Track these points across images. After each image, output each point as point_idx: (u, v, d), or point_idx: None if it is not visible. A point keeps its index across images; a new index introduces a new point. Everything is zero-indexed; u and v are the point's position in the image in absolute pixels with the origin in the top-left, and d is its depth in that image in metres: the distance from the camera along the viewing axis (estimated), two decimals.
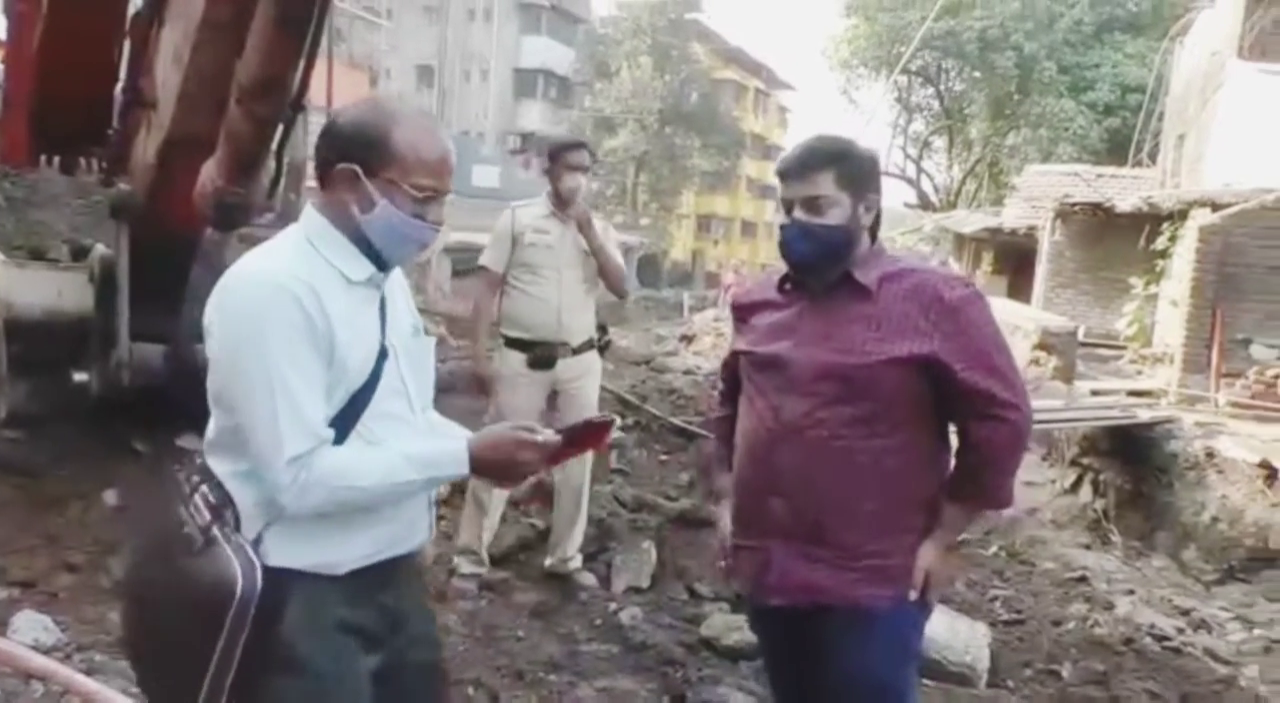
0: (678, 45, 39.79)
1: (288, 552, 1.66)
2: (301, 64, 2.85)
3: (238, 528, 1.66)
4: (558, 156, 4.17)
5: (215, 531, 1.66)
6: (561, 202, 4.12)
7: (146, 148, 3.73)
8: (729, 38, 45.65)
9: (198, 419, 4.68)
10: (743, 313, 2.37)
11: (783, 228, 2.18)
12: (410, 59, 41.13)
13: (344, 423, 1.66)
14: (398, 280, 1.86)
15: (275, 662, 1.65)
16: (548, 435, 1.74)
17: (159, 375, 4.02)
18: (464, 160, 35.31)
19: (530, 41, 42.57)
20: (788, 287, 2.25)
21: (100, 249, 4.26)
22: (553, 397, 4.17)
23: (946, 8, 23.84)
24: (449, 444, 1.74)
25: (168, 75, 3.40)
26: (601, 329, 4.31)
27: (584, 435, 1.84)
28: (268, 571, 1.63)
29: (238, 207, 3.12)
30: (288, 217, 7.88)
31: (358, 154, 1.67)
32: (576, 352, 4.17)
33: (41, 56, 4.30)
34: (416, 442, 1.73)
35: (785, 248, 2.18)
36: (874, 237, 2.19)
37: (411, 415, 1.77)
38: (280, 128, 3.07)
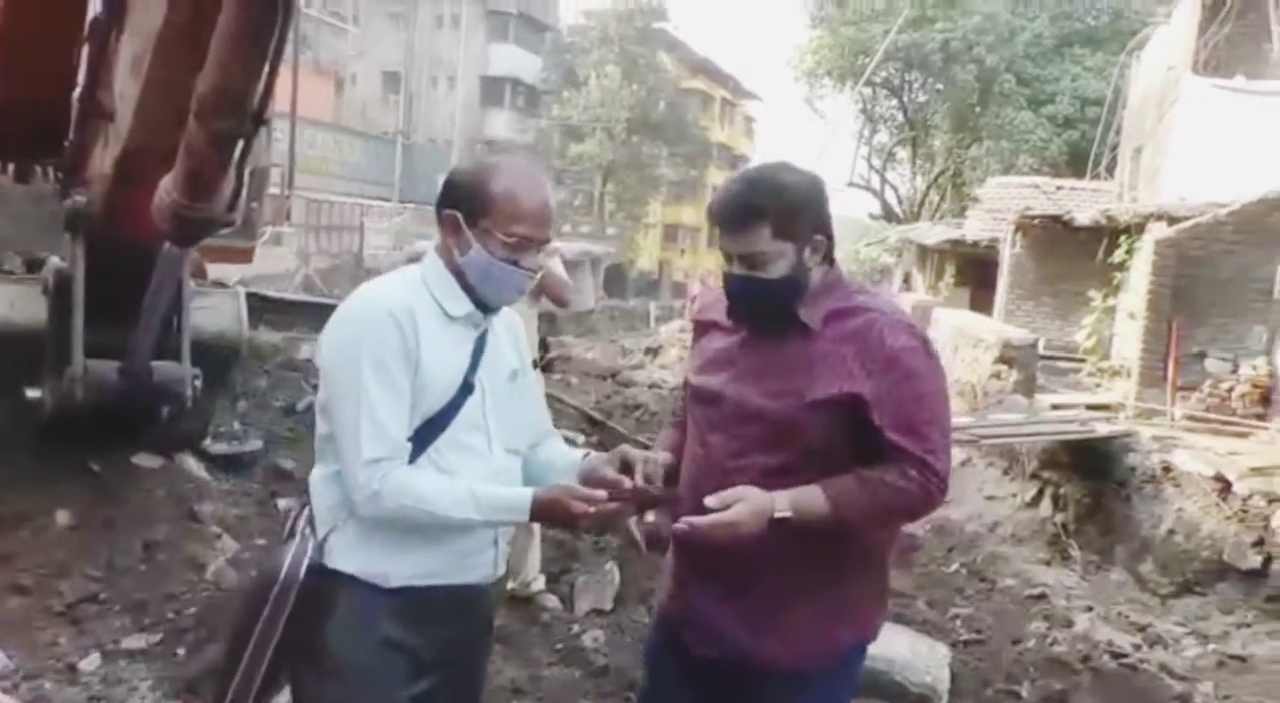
0: (645, 55, 39.90)
1: (344, 555, 1.84)
2: (264, 78, 2.80)
3: (313, 527, 1.88)
4: None
5: (297, 525, 1.93)
6: None
7: (104, 160, 3.65)
8: (696, 48, 45.90)
9: (153, 436, 4.60)
10: (698, 330, 2.26)
11: (725, 278, 2.05)
12: (377, 65, 40.88)
13: (417, 444, 1.82)
14: (509, 323, 2.03)
15: (317, 659, 1.84)
16: (601, 501, 1.81)
17: (114, 392, 3.95)
18: (431, 168, 35.17)
19: (498, 49, 42.47)
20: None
21: (55, 262, 4.17)
22: None
23: (910, 20, 24.16)
24: (515, 492, 1.87)
25: (126, 87, 3.33)
26: (542, 345, 4.29)
27: (641, 501, 1.90)
28: (324, 570, 1.84)
29: (196, 222, 3.06)
30: (250, 226, 7.75)
31: (460, 202, 1.88)
32: None
33: None
34: (487, 483, 1.85)
35: (729, 300, 2.06)
36: (831, 261, 2.03)
37: (488, 452, 1.90)
38: (241, 143, 3.01)
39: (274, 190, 23.58)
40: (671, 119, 41.02)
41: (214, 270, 7.08)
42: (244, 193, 3.14)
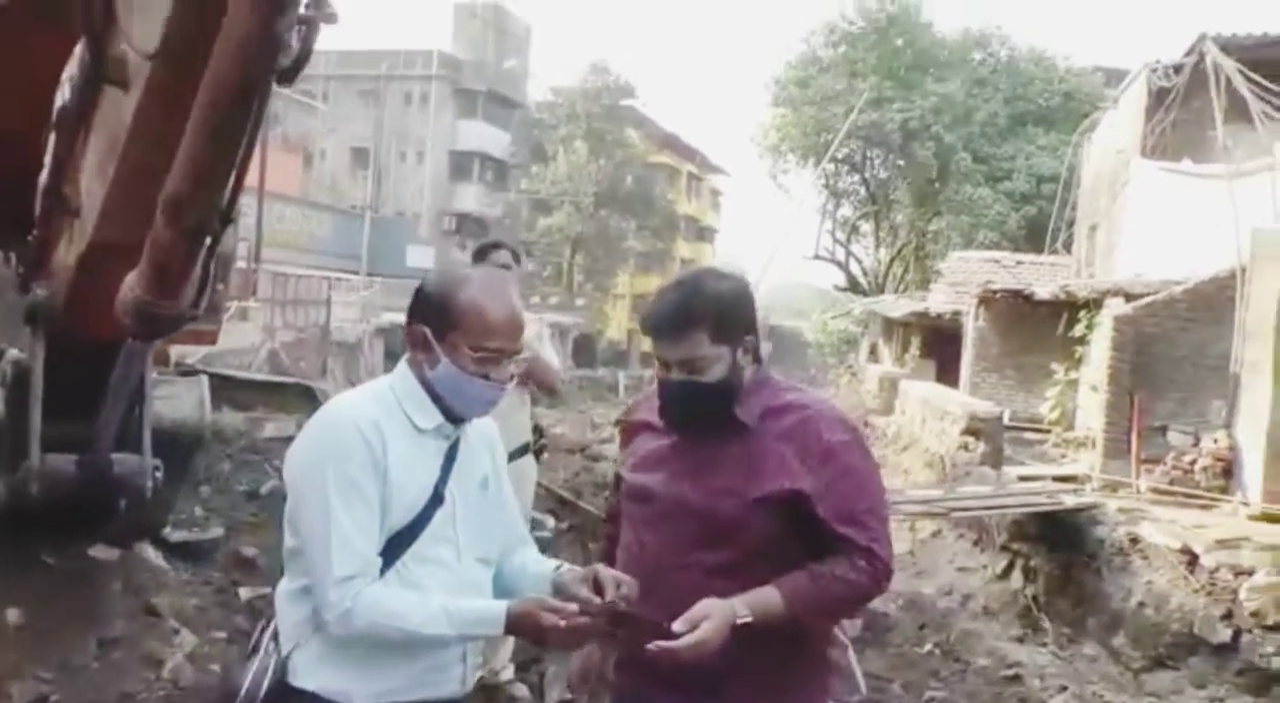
0: (612, 130, 40.60)
1: (308, 673, 1.80)
2: (233, 176, 2.81)
3: (277, 643, 1.84)
4: (480, 256, 4.19)
5: (262, 641, 1.90)
6: None
7: (68, 254, 3.63)
8: (663, 123, 46.74)
9: (111, 528, 4.49)
10: (629, 431, 2.27)
11: (661, 385, 2.06)
12: (346, 141, 41.27)
13: (384, 558, 1.79)
14: (482, 428, 2.01)
15: None
16: (572, 615, 1.79)
17: (71, 486, 3.86)
18: (399, 241, 35.33)
19: (466, 125, 43.07)
20: None
21: (13, 353, 4.11)
22: None
23: (870, 102, 24.84)
24: (489, 605, 1.84)
25: (92, 183, 3.33)
26: (537, 431, 4.26)
27: (612, 618, 1.86)
28: (287, 688, 1.80)
29: (160, 318, 3.02)
30: (214, 308, 7.70)
31: (428, 316, 1.88)
32: (510, 459, 4.10)
33: None
34: (458, 596, 1.82)
35: (668, 404, 2.06)
36: (759, 359, 2.09)
37: (456, 564, 1.88)
38: (209, 240, 3.00)
39: (241, 264, 23.58)
40: (639, 192, 41.62)
41: (175, 350, 7.03)
42: (209, 288, 3.12)
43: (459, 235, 40.74)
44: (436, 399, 1.89)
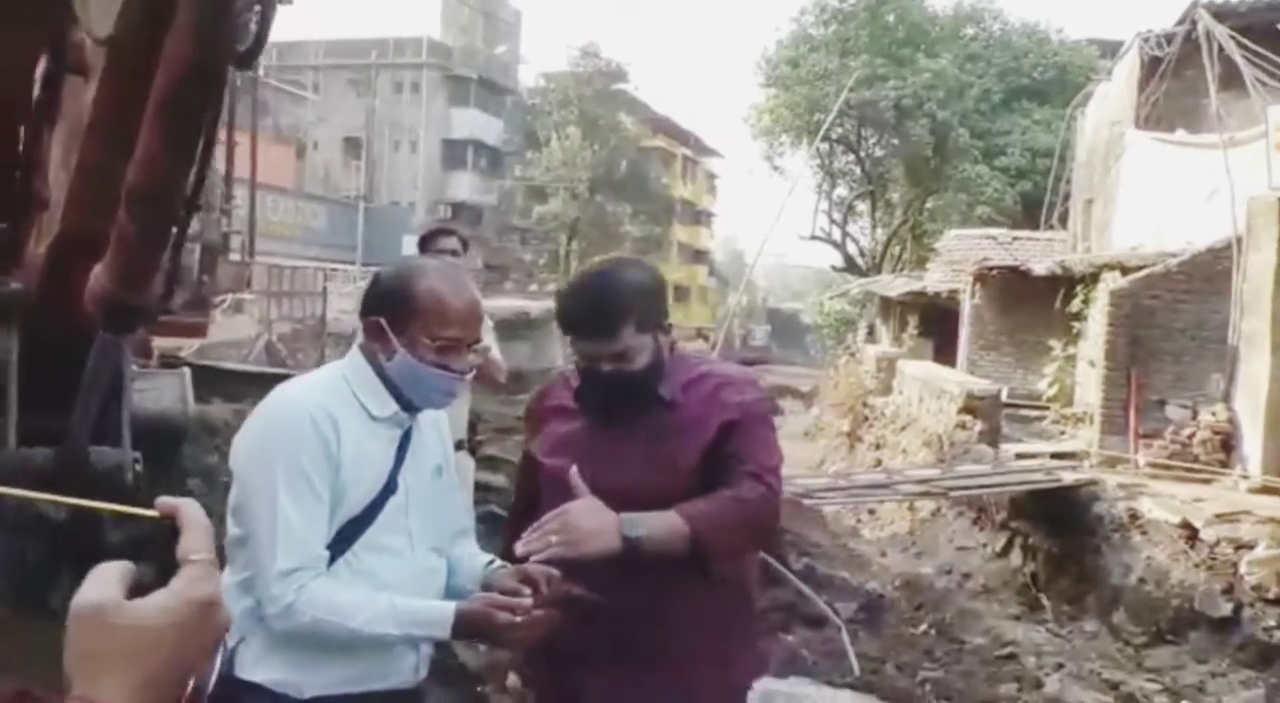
0: (605, 115, 40.43)
1: (255, 665, 1.76)
2: (196, 167, 2.76)
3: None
4: (426, 243, 4.11)
5: None
6: None
7: (39, 246, 3.58)
8: (656, 107, 46.53)
9: None
10: (536, 418, 2.22)
11: (586, 376, 2.04)
12: (338, 131, 41.06)
13: (334, 550, 1.75)
14: (434, 421, 1.97)
15: None
16: (526, 609, 1.74)
17: (49, 480, 3.81)
18: (393, 231, 35.19)
19: (459, 113, 42.84)
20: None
21: None
22: None
23: (862, 79, 24.67)
24: (436, 607, 1.79)
25: (59, 174, 3.28)
26: (472, 428, 4.19)
27: (567, 606, 1.81)
28: (234, 681, 1.74)
29: (128, 310, 2.99)
30: (201, 300, 7.62)
31: (385, 307, 1.84)
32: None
33: None
34: (410, 585, 1.79)
35: (594, 398, 2.05)
36: (673, 339, 2.12)
37: (410, 553, 1.84)
38: (174, 231, 2.95)
39: (235, 257, 23.47)
40: (634, 177, 41.49)
41: (166, 343, 6.97)
42: (178, 281, 3.08)
43: (454, 223, 40.64)
44: (392, 388, 1.85)
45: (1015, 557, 9.45)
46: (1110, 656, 6.10)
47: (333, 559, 1.76)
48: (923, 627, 5.50)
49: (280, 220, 30.08)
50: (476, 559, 2.01)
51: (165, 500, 0.76)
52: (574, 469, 1.90)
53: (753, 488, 1.93)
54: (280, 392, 1.87)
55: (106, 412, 3.93)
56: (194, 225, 7.13)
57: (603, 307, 1.98)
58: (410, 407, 1.87)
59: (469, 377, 1.94)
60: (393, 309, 1.83)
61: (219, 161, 21.47)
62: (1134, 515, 8.26)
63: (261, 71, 28.54)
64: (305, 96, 38.50)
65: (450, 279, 1.87)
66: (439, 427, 2.00)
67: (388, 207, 39.70)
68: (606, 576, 1.83)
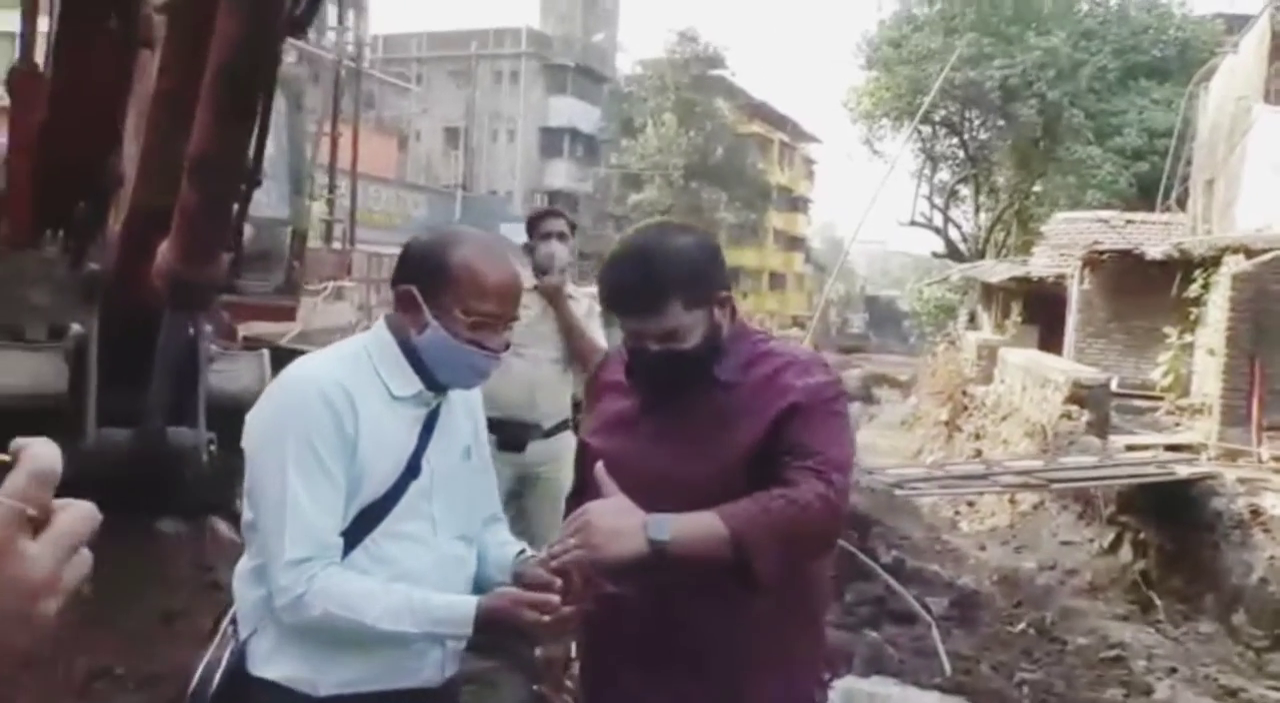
0: (701, 101, 40.13)
1: (267, 660, 1.65)
2: (254, 142, 2.72)
3: (235, 627, 1.70)
4: (534, 225, 4.02)
5: (224, 624, 1.74)
6: (540, 273, 3.97)
7: (116, 224, 3.62)
8: (753, 92, 46.01)
9: (177, 501, 4.42)
10: (593, 393, 2.04)
11: (635, 354, 1.83)
12: (439, 122, 41.84)
13: (351, 536, 1.63)
14: (465, 400, 1.84)
15: None
16: (555, 608, 1.60)
17: (127, 459, 3.86)
18: (492, 219, 35.66)
19: (556, 101, 43.18)
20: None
21: (77, 328, 4.13)
22: (523, 482, 3.93)
23: (967, 59, 23.84)
24: (457, 602, 1.66)
25: (131, 150, 3.29)
26: (576, 407, 4.09)
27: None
28: (246, 676, 1.64)
29: (192, 286, 2.97)
30: (292, 284, 7.71)
31: (418, 275, 1.71)
32: (549, 434, 3.96)
33: (46, 124, 4.17)
34: (434, 575, 1.67)
35: (643, 379, 1.84)
36: (735, 311, 1.89)
37: (434, 540, 1.72)
38: (236, 206, 2.92)
39: (336, 245, 23.94)
40: (730, 163, 41.08)
41: (266, 329, 7.08)
42: (242, 257, 3.05)
43: (562, 207, 41.01)
44: (418, 365, 1.72)
45: (1124, 553, 9.01)
46: (1228, 660, 5.70)
47: (351, 547, 1.64)
48: (1021, 625, 5.21)
49: (382, 210, 30.78)
50: (506, 548, 1.87)
51: (17, 441, 0.64)
52: (599, 466, 1.71)
53: (811, 487, 1.66)
54: (295, 366, 1.75)
55: (184, 392, 3.96)
56: (285, 211, 7.26)
57: (646, 281, 1.76)
58: (437, 385, 1.74)
59: (506, 356, 1.79)
60: (426, 279, 1.70)
61: (324, 153, 22.10)
62: (1256, 512, 7.81)
63: (366, 64, 29.27)
64: (409, 88, 39.31)
65: (489, 250, 1.74)
66: (470, 406, 1.87)
67: (485, 196, 40.29)
68: (646, 575, 1.66)
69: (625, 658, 1.83)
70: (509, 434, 3.85)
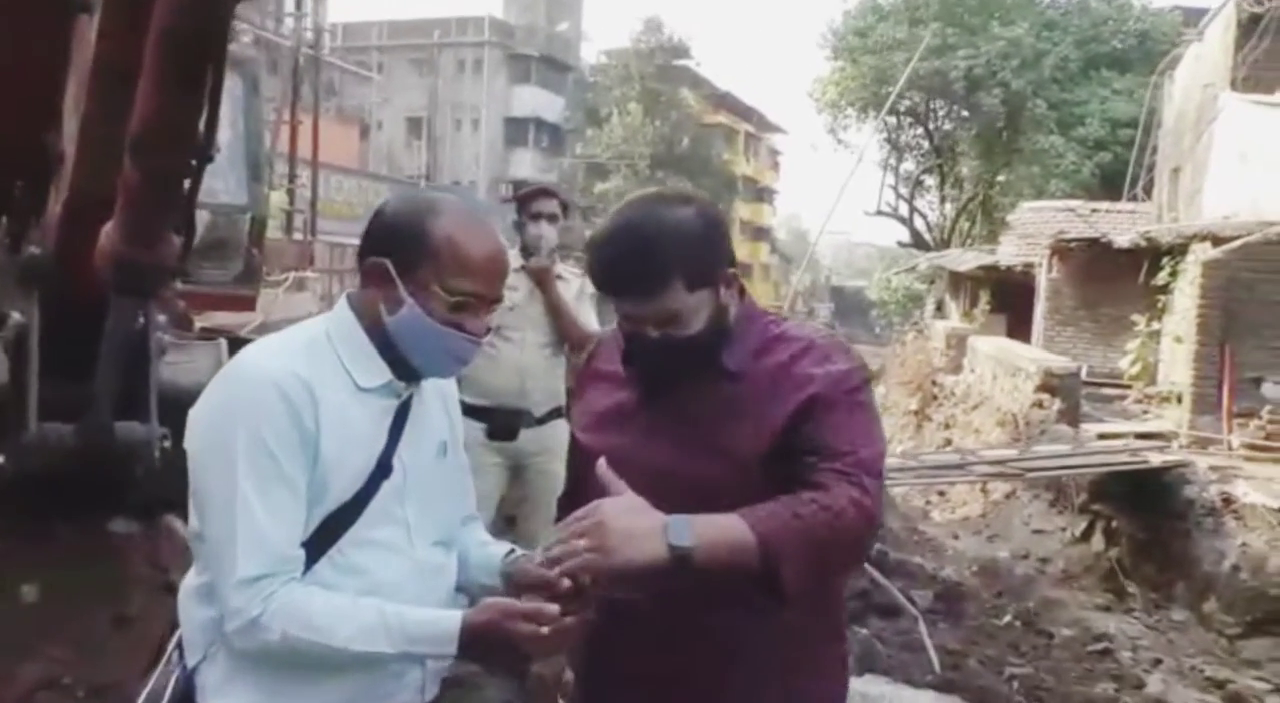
0: (667, 91, 40.00)
1: (219, 692, 1.45)
2: (204, 114, 2.50)
3: (181, 653, 1.49)
4: (524, 204, 3.86)
5: (169, 648, 1.55)
6: (528, 255, 3.82)
7: (56, 205, 3.37)
8: (718, 83, 45.93)
9: (129, 499, 4.11)
10: (580, 388, 1.84)
11: (631, 343, 1.64)
12: (401, 111, 41.33)
13: (315, 546, 1.44)
14: (439, 390, 1.64)
15: None
16: (553, 618, 1.39)
17: (70, 455, 3.62)
18: None
19: (520, 91, 42.83)
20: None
21: (17, 317, 3.87)
22: (515, 473, 3.77)
23: (932, 49, 23.86)
24: (439, 619, 1.45)
25: (70, 126, 3.05)
26: (569, 393, 3.93)
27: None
28: None
29: (139, 270, 2.75)
30: (252, 273, 7.46)
31: (391, 248, 1.49)
32: (541, 421, 3.80)
33: None
34: (409, 588, 1.48)
35: (642, 369, 1.65)
36: (742, 291, 1.69)
37: (409, 548, 1.52)
38: (186, 184, 2.70)
39: (298, 236, 23.55)
40: (695, 154, 41.00)
41: (216, 318, 6.83)
42: (194, 241, 2.83)
43: (556, 186, 40.80)
44: (387, 351, 1.51)
45: (1097, 541, 9.02)
46: (1211, 651, 5.65)
47: (314, 559, 1.44)
48: (1006, 618, 5.12)
49: (344, 200, 30.33)
50: (489, 547, 1.68)
51: None
52: (602, 462, 1.51)
53: (843, 492, 1.48)
54: (244, 354, 1.52)
55: (133, 384, 3.72)
56: (243, 197, 7.00)
57: (642, 260, 1.55)
58: (408, 373, 1.54)
59: (489, 340, 1.59)
60: (401, 251, 1.48)
61: (283, 142, 21.66)
62: (1227, 499, 7.83)
63: (325, 52, 28.74)
64: (369, 77, 38.73)
65: (474, 222, 1.52)
66: (444, 396, 1.66)
67: (449, 186, 39.84)
68: (657, 582, 1.46)
69: (629, 678, 1.65)
70: (499, 422, 3.69)
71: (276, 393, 1.41)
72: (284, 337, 1.55)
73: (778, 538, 1.42)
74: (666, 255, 1.55)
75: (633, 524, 1.41)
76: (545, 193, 3.97)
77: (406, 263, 1.47)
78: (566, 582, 1.41)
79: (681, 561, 1.39)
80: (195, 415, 1.48)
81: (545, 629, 1.38)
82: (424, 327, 1.48)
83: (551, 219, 3.86)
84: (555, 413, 3.85)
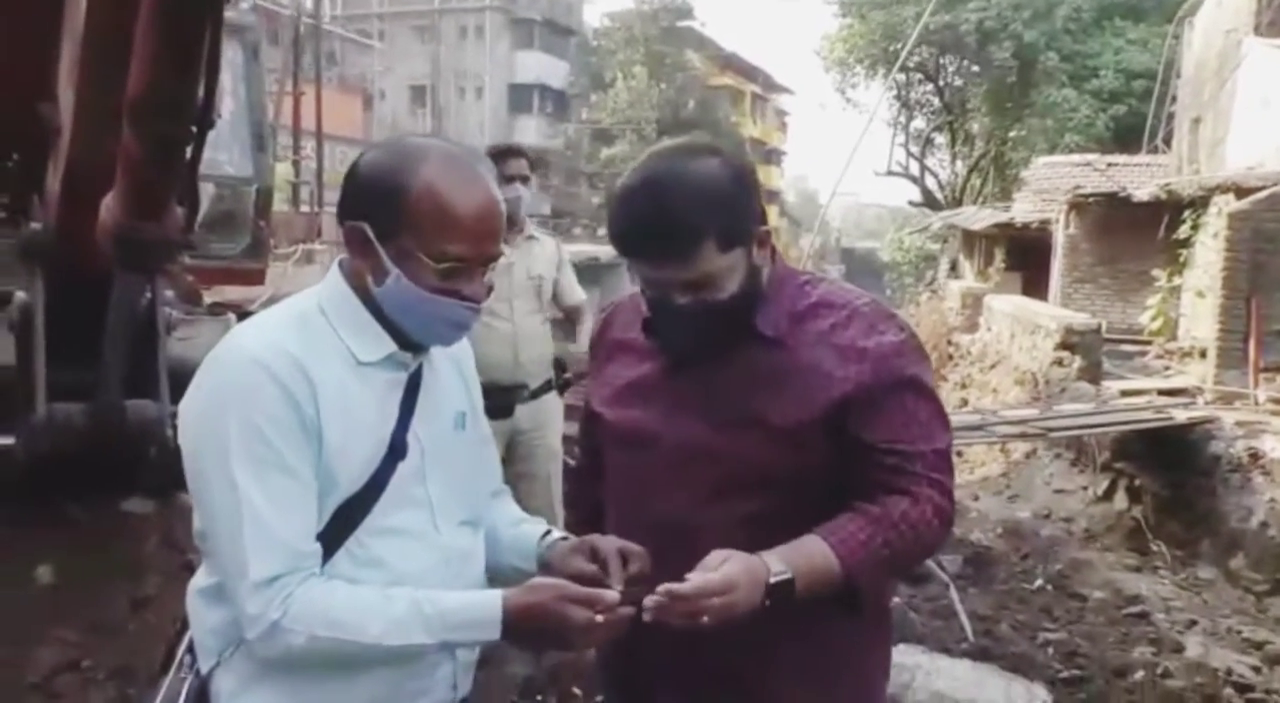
0: (671, 53, 39.53)
1: (238, 700, 1.34)
2: (203, 79, 2.38)
3: (193, 657, 1.38)
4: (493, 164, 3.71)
5: (176, 652, 1.44)
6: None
7: (55, 179, 3.26)
8: (723, 44, 45.35)
9: (143, 479, 4.02)
10: (598, 352, 1.72)
11: (656, 309, 1.51)
12: (404, 79, 40.99)
13: (330, 540, 1.31)
14: (451, 357, 1.49)
15: None
16: (611, 605, 1.29)
17: (82, 436, 3.53)
18: None
19: (523, 57, 42.39)
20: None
21: (20, 296, 3.78)
22: (509, 450, 3.64)
23: (942, 2, 23.42)
24: (480, 601, 1.32)
25: (66, 95, 2.93)
26: (559, 365, 3.82)
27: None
28: None
29: (143, 242, 2.64)
30: (259, 245, 7.35)
31: (368, 210, 1.33)
32: (535, 395, 3.69)
33: None
34: (439, 578, 1.36)
35: (670, 338, 1.53)
36: (775, 251, 1.58)
37: (434, 533, 1.40)
38: (189, 151, 2.58)
39: (305, 208, 23.46)
40: (702, 117, 40.55)
41: (225, 292, 6.73)
42: (200, 212, 2.72)
43: (521, 145, 40.48)
44: (386, 321, 1.38)
45: (1120, 500, 8.91)
46: (1247, 611, 5.55)
47: (330, 553, 1.31)
48: (1038, 582, 5.02)
49: None
50: (523, 528, 1.54)
51: None
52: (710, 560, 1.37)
53: (927, 499, 1.42)
54: (231, 337, 1.37)
55: (143, 361, 3.63)
56: (248, 168, 6.87)
57: (669, 218, 1.42)
58: (413, 344, 1.40)
59: (487, 304, 1.42)
60: (379, 212, 1.32)
61: (286, 113, 21.44)
62: (1255, 455, 7.70)
63: (326, 20, 28.40)
64: (371, 45, 38.39)
65: (458, 170, 1.33)
66: (458, 362, 1.52)
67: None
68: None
69: (659, 672, 1.56)
70: (495, 400, 3.57)
71: (266, 375, 1.27)
72: (272, 313, 1.40)
73: (863, 565, 1.39)
74: (697, 213, 1.42)
75: (749, 578, 1.34)
76: (514, 151, 3.78)
77: (386, 227, 1.32)
78: (617, 570, 1.35)
79: (782, 594, 1.36)
80: (184, 407, 1.35)
81: (600, 617, 1.27)
82: (414, 296, 1.33)
83: (525, 180, 3.71)
84: (547, 386, 3.75)
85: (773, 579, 1.34)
